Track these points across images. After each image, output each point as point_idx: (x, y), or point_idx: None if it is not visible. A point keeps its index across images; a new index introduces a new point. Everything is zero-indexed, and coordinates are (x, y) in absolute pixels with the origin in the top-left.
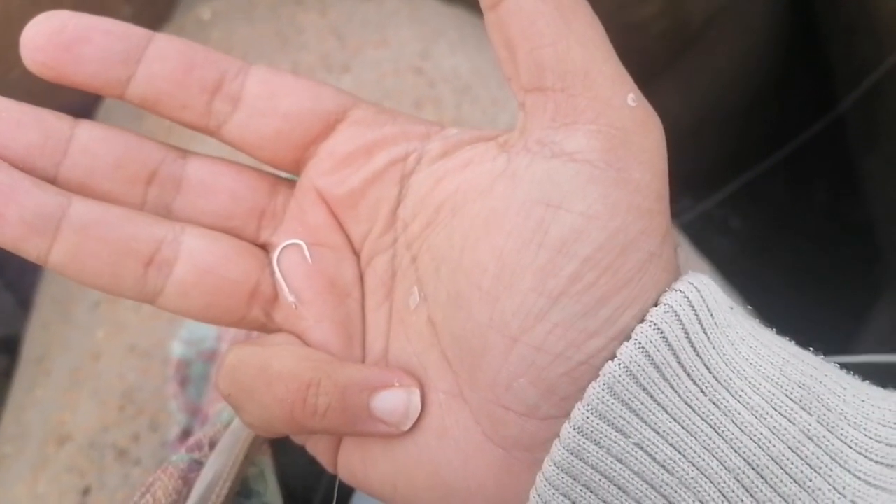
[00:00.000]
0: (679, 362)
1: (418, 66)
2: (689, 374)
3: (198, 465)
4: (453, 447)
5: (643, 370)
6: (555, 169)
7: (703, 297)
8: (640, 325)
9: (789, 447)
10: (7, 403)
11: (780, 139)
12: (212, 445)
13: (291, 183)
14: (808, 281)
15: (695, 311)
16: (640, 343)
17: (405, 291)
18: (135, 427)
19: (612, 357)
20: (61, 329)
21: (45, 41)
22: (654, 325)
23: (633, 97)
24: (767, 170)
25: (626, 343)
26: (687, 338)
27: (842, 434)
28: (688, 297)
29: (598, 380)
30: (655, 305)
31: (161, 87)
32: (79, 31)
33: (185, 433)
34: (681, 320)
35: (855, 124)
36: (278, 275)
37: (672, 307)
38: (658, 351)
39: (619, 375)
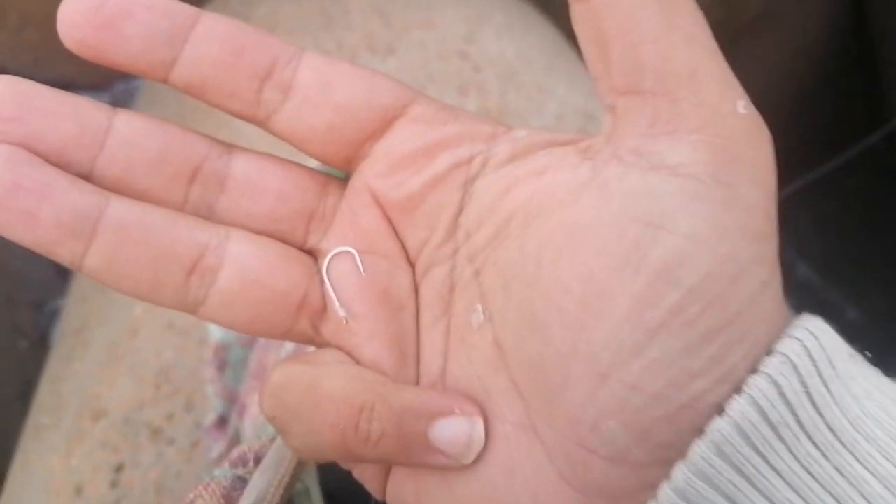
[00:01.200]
0: (798, 421)
1: (463, 50)
2: (809, 436)
3: (241, 482)
4: (522, 486)
5: (756, 429)
6: (654, 183)
7: (822, 345)
8: (753, 376)
9: None
10: (45, 373)
11: (832, 146)
12: (257, 461)
13: (342, 183)
14: (863, 295)
15: (814, 361)
16: (753, 398)
17: (466, 307)
18: (170, 406)
19: (718, 403)
20: (100, 302)
21: (83, 17)
22: (770, 377)
23: (743, 104)
24: (817, 179)
25: (736, 397)
26: (806, 392)
27: None
28: (806, 346)
29: (703, 437)
30: (769, 352)
31: (208, 72)
32: (120, 6)
33: (222, 420)
34: (799, 373)
35: None
36: (328, 286)
37: (789, 357)
38: (774, 408)
39: (729, 433)
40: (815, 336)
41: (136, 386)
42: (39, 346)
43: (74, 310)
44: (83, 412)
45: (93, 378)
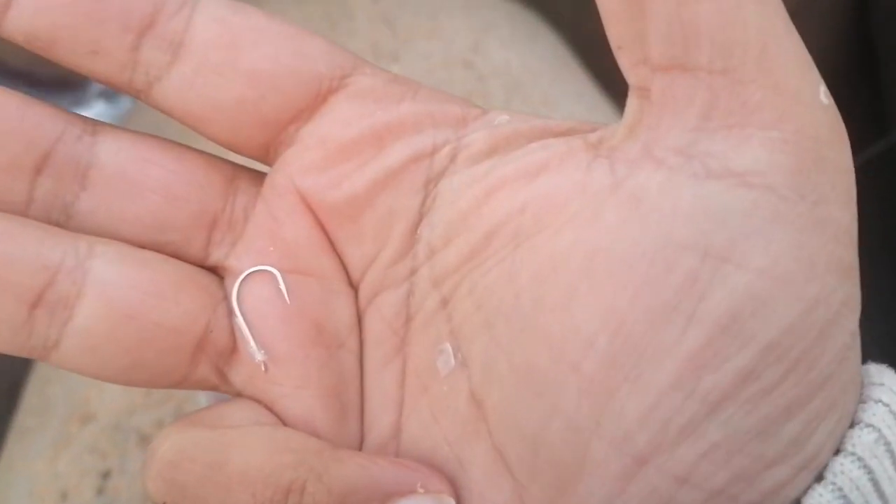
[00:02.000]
0: None
1: (469, 60)
2: None
3: None
4: None
5: None
6: (714, 197)
7: None
8: (839, 458)
9: None
10: (32, 374)
11: None
12: None
13: (258, 176)
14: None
15: None
16: (841, 489)
17: (429, 347)
18: (160, 413)
19: (798, 497)
20: None
21: None
22: (860, 460)
23: (824, 91)
24: None
25: (818, 486)
26: None
27: None
28: (894, 412)
29: None
30: (853, 422)
31: (59, 18)
32: None
33: None
34: (892, 451)
35: None
36: (239, 318)
37: (881, 431)
38: (867, 502)
39: None
40: None
41: (125, 391)
42: None
43: None
44: (71, 416)
45: (81, 382)
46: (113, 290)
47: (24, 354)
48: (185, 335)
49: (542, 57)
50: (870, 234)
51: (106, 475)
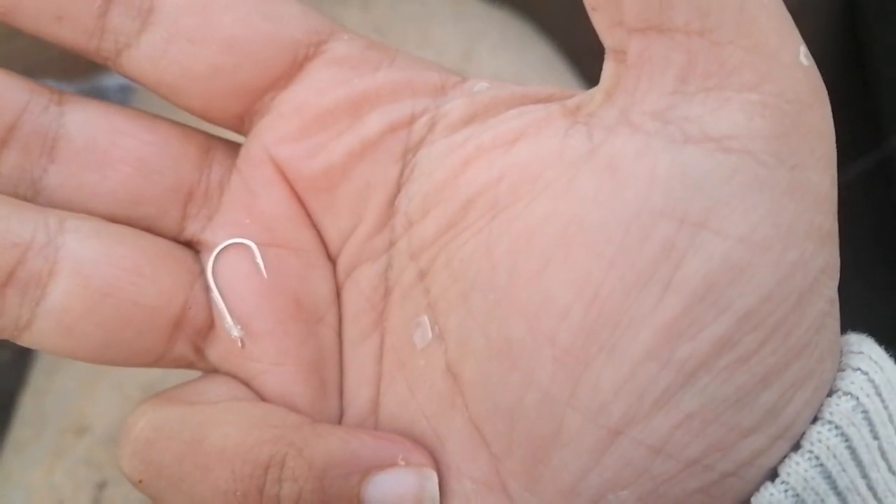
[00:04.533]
0: (869, 486)
1: (460, 68)
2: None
3: None
4: None
5: (821, 500)
6: (692, 162)
7: (888, 379)
8: (816, 426)
9: None
10: (27, 386)
11: None
12: None
13: (233, 147)
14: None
15: (884, 403)
16: (818, 458)
17: (407, 320)
18: None
19: (773, 466)
20: None
21: None
22: (838, 428)
23: (805, 51)
24: None
25: (796, 457)
26: (879, 447)
27: None
28: (874, 382)
29: None
30: (830, 391)
31: None
32: None
33: None
34: (871, 420)
35: None
36: (216, 293)
37: (858, 399)
38: (844, 471)
39: None
40: (880, 367)
41: (120, 402)
42: (22, 358)
43: None
44: (66, 427)
45: (77, 393)
46: (88, 267)
47: None
48: (163, 313)
49: (533, 65)
50: (864, 241)
51: (101, 486)
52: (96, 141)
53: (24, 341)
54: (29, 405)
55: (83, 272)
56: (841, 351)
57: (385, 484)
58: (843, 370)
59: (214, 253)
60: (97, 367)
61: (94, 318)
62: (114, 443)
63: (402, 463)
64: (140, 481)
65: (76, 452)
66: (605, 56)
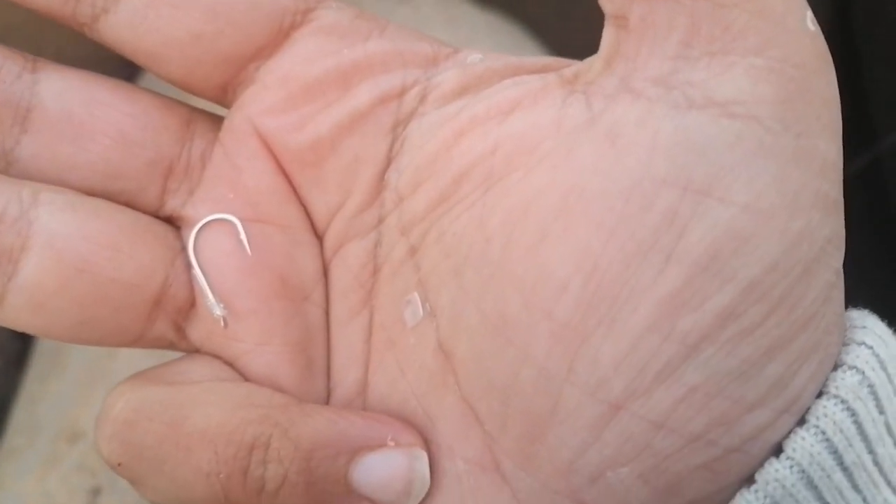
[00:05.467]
0: (875, 461)
1: None
2: (888, 481)
3: None
4: None
5: (828, 477)
6: (695, 128)
7: (893, 353)
8: (822, 400)
9: None
10: (20, 393)
11: None
12: None
13: (216, 120)
14: None
15: (889, 377)
16: (824, 432)
17: (396, 298)
18: None
19: (778, 441)
20: None
21: None
22: (843, 401)
23: (811, 16)
24: None
25: (801, 431)
26: (885, 422)
27: None
28: (878, 356)
29: (752, 487)
30: (836, 364)
31: None
32: None
33: None
34: (876, 394)
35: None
36: (197, 271)
37: (864, 374)
38: (850, 446)
39: (793, 484)
40: (885, 342)
41: None
42: (14, 365)
43: None
44: (60, 434)
45: (70, 399)
46: (62, 242)
47: None
48: (141, 290)
49: None
50: (856, 239)
51: (96, 493)
52: (73, 111)
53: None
54: (22, 412)
55: (56, 246)
56: (844, 325)
57: (374, 465)
58: (848, 344)
59: (196, 228)
60: (91, 373)
61: (67, 295)
62: None
63: (392, 443)
64: (119, 464)
65: (70, 459)
66: (605, 23)
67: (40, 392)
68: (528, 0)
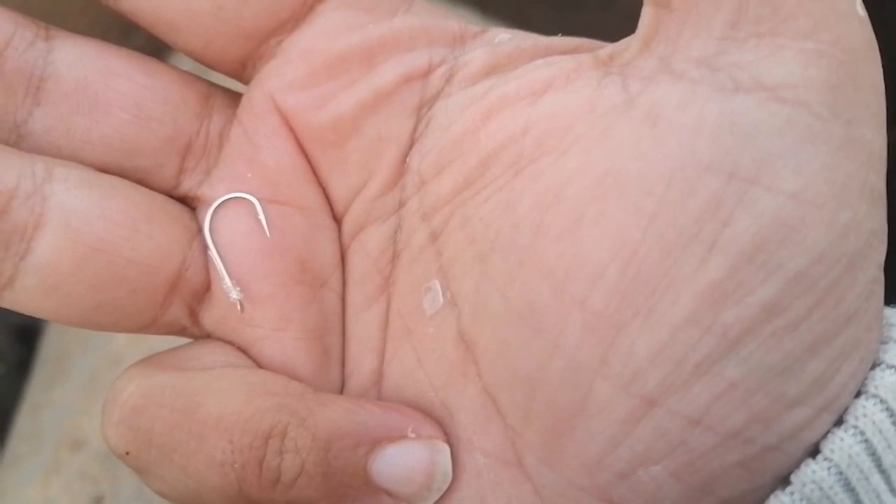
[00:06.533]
0: None
1: None
2: None
3: None
4: None
5: (866, 479)
6: (744, 112)
7: None
8: (861, 399)
9: None
10: (23, 400)
11: None
12: None
13: (235, 96)
14: None
15: None
16: (863, 433)
17: (415, 285)
18: None
19: (817, 441)
20: (81, 330)
21: None
22: (882, 401)
23: (860, 2)
24: None
25: (837, 430)
26: None
27: None
28: None
29: (788, 489)
30: (874, 363)
31: None
32: None
33: None
34: None
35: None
36: (213, 252)
37: None
38: (890, 447)
39: (830, 486)
40: None
41: None
42: (17, 373)
43: (55, 336)
44: (63, 442)
45: (73, 407)
46: (78, 220)
47: None
48: (158, 272)
49: None
50: None
51: (98, 500)
52: (88, 82)
53: (5, 301)
54: (25, 420)
55: (73, 225)
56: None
57: (394, 457)
58: (886, 342)
59: (213, 206)
60: (94, 382)
61: (83, 276)
62: (111, 457)
63: (413, 435)
64: (127, 453)
65: (73, 467)
66: (645, 3)
67: (43, 400)
68: (531, 9)
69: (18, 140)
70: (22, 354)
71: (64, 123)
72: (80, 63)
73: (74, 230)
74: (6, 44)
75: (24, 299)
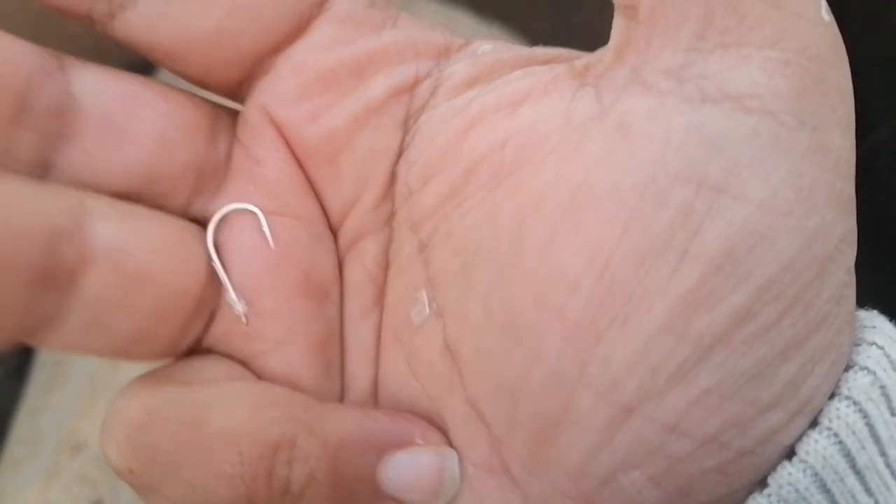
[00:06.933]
0: (888, 464)
1: None
2: None
3: None
4: None
5: (841, 480)
6: (711, 123)
7: None
8: (834, 402)
9: None
10: (22, 404)
11: None
12: None
13: (235, 115)
14: None
15: None
16: (837, 434)
17: (404, 295)
18: None
19: (791, 444)
20: None
21: None
22: (855, 403)
23: (826, 7)
24: None
25: (812, 432)
26: None
27: None
28: (890, 357)
29: (765, 492)
30: (847, 365)
31: None
32: None
33: None
34: (887, 395)
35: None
36: (216, 264)
37: (876, 374)
38: (863, 448)
39: (806, 487)
40: (895, 342)
41: None
42: (16, 376)
43: None
44: (62, 445)
45: (72, 411)
46: (120, 252)
47: (15, 341)
48: (187, 295)
49: None
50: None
51: None
52: (111, 112)
53: (50, 342)
54: (24, 423)
55: (116, 258)
56: (855, 326)
57: (404, 464)
58: (859, 345)
59: (216, 218)
60: (93, 385)
61: (128, 309)
62: None
63: (421, 442)
64: (131, 471)
65: (72, 470)
66: (615, 13)
67: (42, 404)
68: (527, 11)
69: (44, 174)
70: (20, 358)
71: (88, 155)
72: (99, 93)
73: (118, 263)
74: (28, 79)
75: (70, 339)
